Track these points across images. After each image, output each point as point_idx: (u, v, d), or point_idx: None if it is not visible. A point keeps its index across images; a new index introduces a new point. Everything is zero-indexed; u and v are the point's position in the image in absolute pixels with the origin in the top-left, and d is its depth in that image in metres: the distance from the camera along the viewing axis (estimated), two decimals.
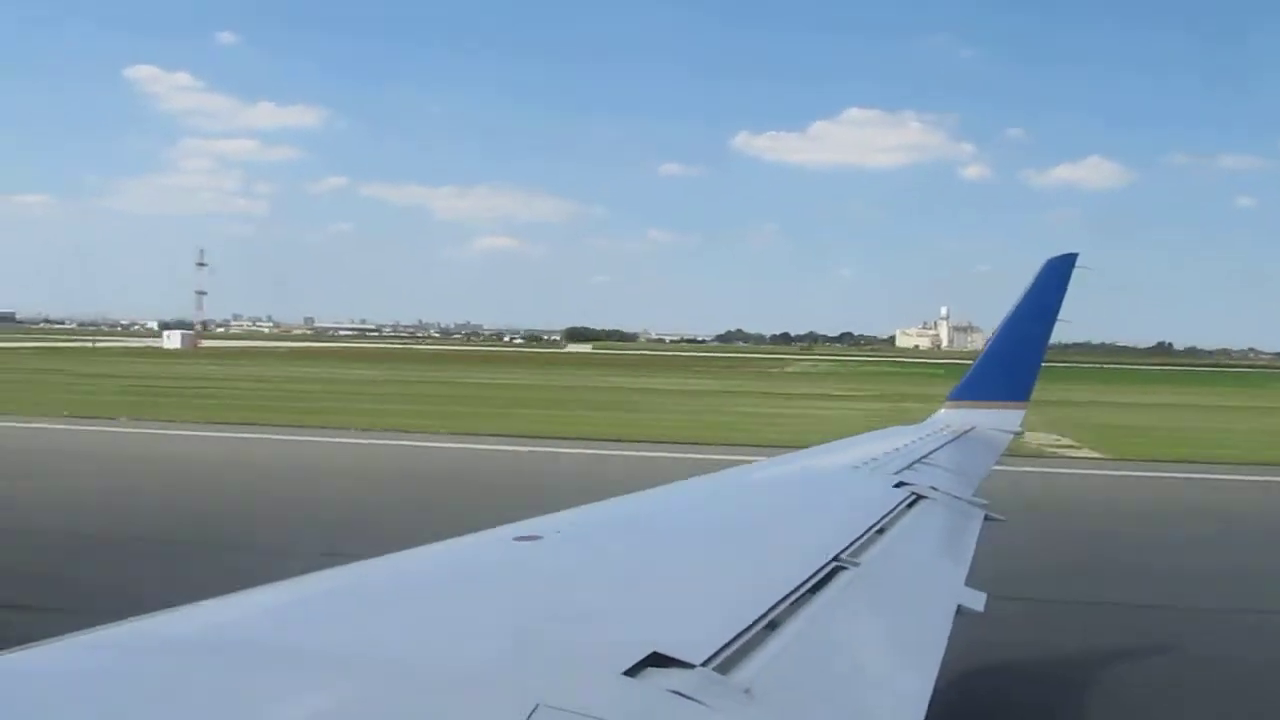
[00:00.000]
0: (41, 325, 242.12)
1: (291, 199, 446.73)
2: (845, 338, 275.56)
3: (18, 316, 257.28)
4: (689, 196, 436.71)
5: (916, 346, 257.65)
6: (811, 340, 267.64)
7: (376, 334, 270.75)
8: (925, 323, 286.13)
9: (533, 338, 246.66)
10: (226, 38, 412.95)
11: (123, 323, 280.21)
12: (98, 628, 1.74)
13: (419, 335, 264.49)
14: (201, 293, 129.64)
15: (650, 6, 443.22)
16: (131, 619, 1.79)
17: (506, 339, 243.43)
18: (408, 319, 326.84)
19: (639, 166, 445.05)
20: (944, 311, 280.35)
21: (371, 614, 2.00)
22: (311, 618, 1.95)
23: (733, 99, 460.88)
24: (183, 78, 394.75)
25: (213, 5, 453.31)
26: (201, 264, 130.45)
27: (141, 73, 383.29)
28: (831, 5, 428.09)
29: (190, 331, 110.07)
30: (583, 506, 3.23)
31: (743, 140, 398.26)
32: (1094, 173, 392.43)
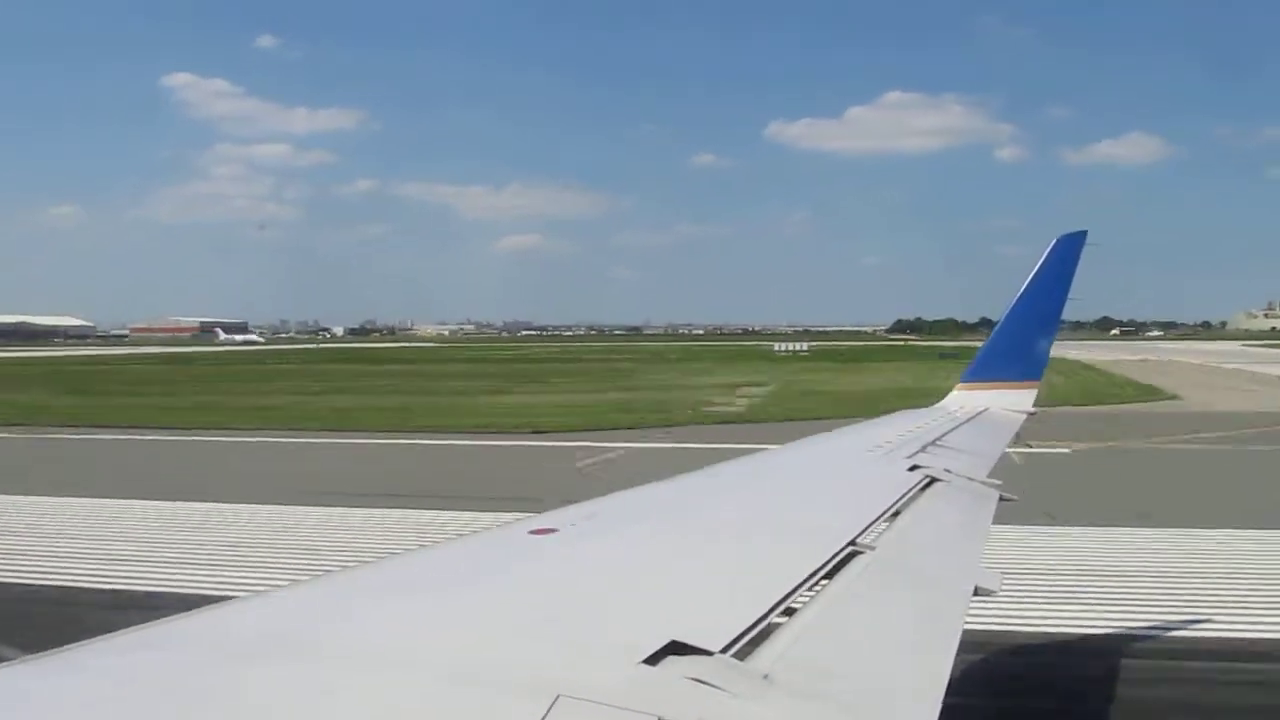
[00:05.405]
0: (112, 334, 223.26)
1: (324, 202, 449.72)
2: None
3: (98, 330, 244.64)
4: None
5: (1275, 329, 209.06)
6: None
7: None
8: (1271, 304, 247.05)
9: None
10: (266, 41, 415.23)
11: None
12: (131, 629, 1.79)
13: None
14: None
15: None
16: (164, 620, 1.84)
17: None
18: (456, 317, 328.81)
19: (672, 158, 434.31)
20: None
21: (395, 609, 2.04)
22: (336, 614, 2.00)
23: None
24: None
25: (254, 7, 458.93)
26: None
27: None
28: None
29: None
30: (596, 498, 3.25)
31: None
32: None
